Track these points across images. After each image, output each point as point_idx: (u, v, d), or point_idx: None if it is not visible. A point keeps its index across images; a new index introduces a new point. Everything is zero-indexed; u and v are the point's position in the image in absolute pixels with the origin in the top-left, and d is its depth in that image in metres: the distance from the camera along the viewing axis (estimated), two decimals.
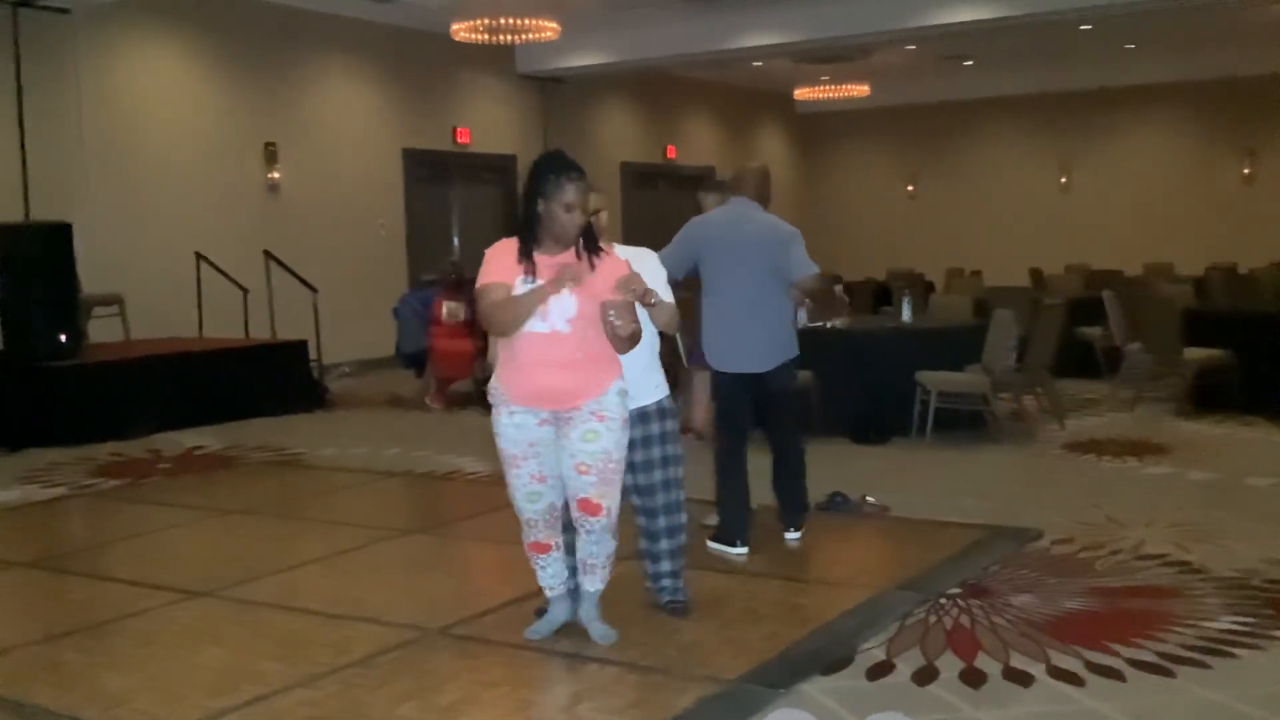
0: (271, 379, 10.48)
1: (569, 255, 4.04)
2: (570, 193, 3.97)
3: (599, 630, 4.23)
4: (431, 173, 14.63)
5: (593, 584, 4.23)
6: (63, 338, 9.32)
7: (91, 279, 10.36)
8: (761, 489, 6.41)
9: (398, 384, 11.56)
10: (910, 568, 5.13)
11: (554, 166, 4.03)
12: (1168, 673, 3.88)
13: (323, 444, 8.87)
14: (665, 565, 4.52)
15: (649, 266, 4.44)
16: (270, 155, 12.69)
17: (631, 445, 4.31)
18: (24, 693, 3.95)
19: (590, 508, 4.08)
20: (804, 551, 5.77)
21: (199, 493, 7.40)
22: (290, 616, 4.72)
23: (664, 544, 4.50)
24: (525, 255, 4.02)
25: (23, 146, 10.71)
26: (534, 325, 3.99)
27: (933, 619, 4.44)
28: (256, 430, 9.52)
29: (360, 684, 3.93)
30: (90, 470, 8.04)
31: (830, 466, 7.44)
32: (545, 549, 4.24)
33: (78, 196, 10.95)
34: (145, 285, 11.27)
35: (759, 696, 3.73)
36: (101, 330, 10.81)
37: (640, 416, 4.35)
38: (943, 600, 4.64)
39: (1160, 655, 4.02)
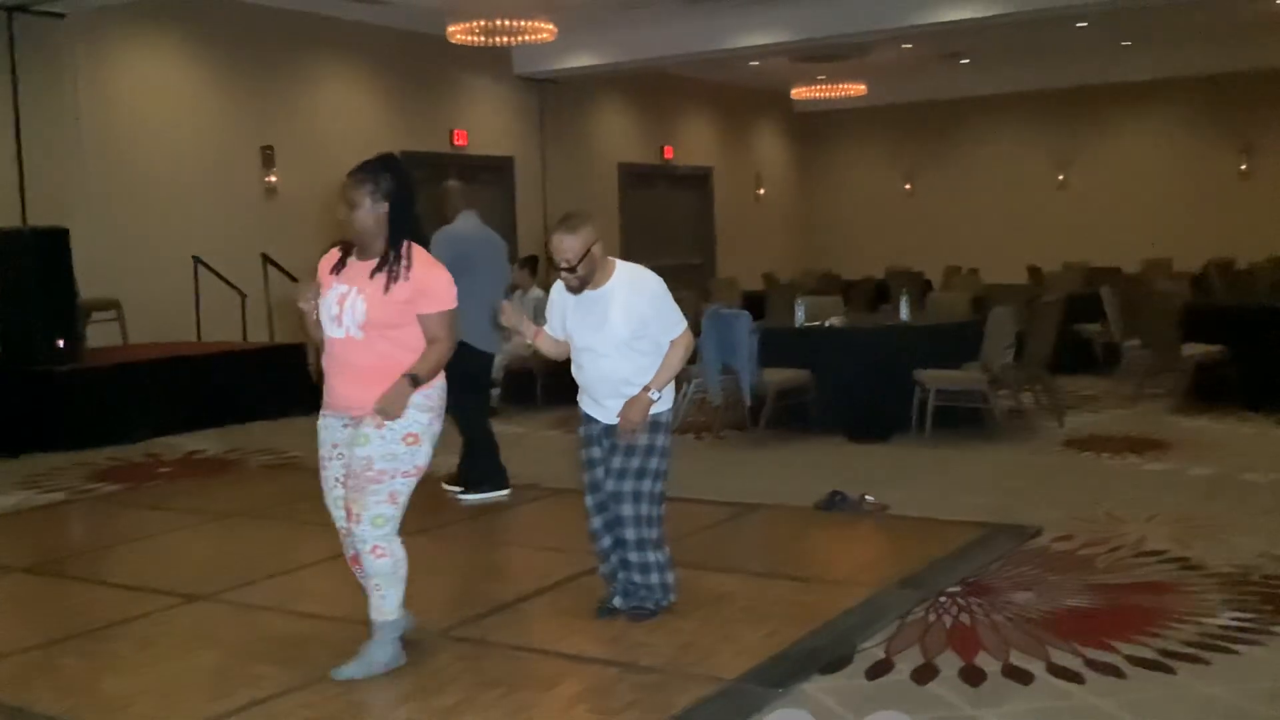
0: (270, 382, 10.47)
1: (369, 263, 3.95)
2: (345, 194, 3.94)
3: (349, 666, 3.95)
4: (429, 175, 14.60)
5: (370, 608, 4.01)
6: (61, 343, 9.31)
7: (89, 284, 10.34)
8: (766, 488, 6.40)
9: None
10: (909, 566, 5.13)
11: (350, 172, 4.00)
12: (1168, 669, 3.87)
13: None
14: (635, 577, 4.47)
15: (648, 291, 4.35)
16: (267, 159, 12.68)
17: (613, 450, 4.36)
18: (24, 698, 3.95)
19: (348, 512, 3.94)
20: (803, 550, 5.78)
21: (198, 497, 7.40)
22: (289, 620, 4.72)
23: (632, 555, 4.43)
24: (341, 260, 4.03)
25: (19, 152, 10.70)
26: (332, 330, 3.95)
27: (932, 617, 4.44)
28: (256, 434, 9.51)
29: (359, 687, 3.93)
30: (89, 475, 8.03)
31: (829, 465, 7.45)
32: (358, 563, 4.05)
33: (75, 201, 10.94)
34: (143, 290, 11.27)
35: (758, 696, 3.73)
36: (100, 335, 10.80)
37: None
38: (942, 598, 4.64)
39: (1160, 652, 4.01)
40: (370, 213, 3.92)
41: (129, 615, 4.82)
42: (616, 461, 4.38)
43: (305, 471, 8.06)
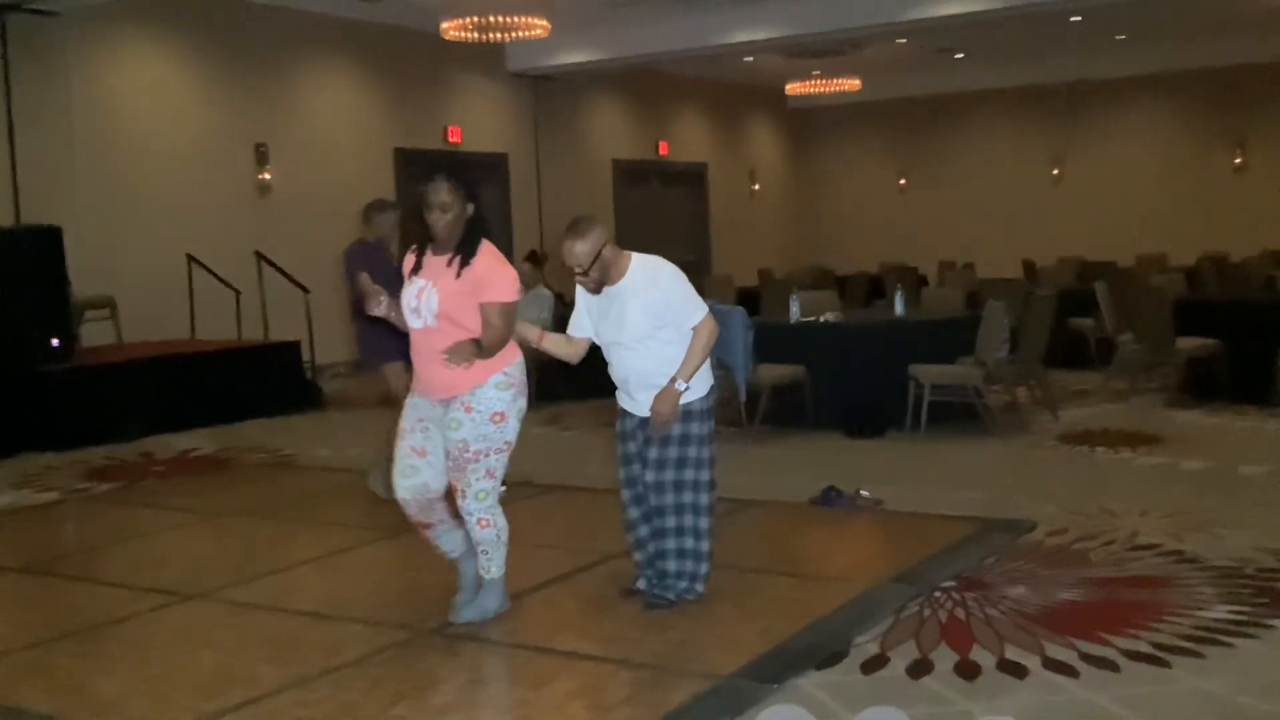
0: (264, 380, 10.46)
1: (444, 258, 4.30)
2: (428, 194, 4.30)
3: (467, 610, 4.43)
4: (423, 172, 14.40)
5: (479, 567, 4.46)
6: (55, 342, 9.30)
7: (83, 282, 10.32)
8: (761, 484, 6.40)
9: None
10: (904, 561, 5.13)
11: (430, 176, 4.36)
12: (1162, 663, 3.88)
13: (316, 445, 8.85)
14: (671, 565, 4.52)
15: (661, 281, 4.40)
16: (261, 156, 12.66)
17: (648, 442, 4.43)
18: (16, 697, 3.94)
19: (452, 489, 4.34)
20: (798, 546, 5.78)
21: (192, 495, 7.39)
22: (283, 618, 4.71)
23: (670, 542, 4.50)
24: (419, 255, 4.39)
25: (12, 150, 10.68)
26: (413, 321, 4.32)
27: (927, 612, 4.44)
28: (250, 432, 9.50)
29: (353, 685, 3.92)
30: (83, 474, 8.02)
31: (824, 460, 7.45)
32: (428, 526, 4.43)
33: (68, 199, 10.92)
34: (137, 288, 11.25)
35: (753, 692, 3.72)
36: (93, 333, 10.79)
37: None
38: (937, 593, 4.64)
39: (1155, 645, 4.02)
40: (462, 215, 4.29)
41: (122, 614, 4.81)
42: (654, 453, 4.45)
43: (300, 470, 8.08)
